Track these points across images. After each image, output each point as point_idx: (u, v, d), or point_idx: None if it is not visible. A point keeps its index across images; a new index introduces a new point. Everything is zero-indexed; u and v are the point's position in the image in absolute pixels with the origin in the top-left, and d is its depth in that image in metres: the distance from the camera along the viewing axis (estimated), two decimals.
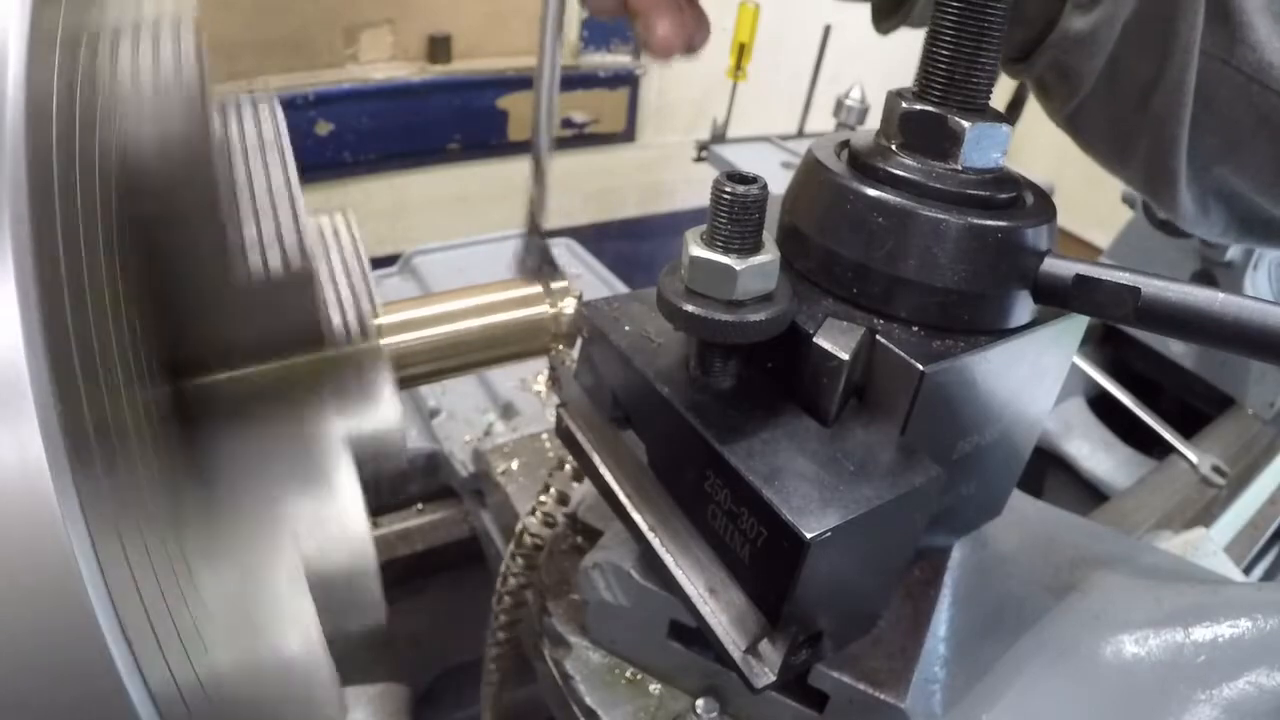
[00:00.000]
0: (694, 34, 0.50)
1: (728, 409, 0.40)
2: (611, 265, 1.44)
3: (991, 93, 0.41)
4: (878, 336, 0.39)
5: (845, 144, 0.44)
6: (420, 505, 1.06)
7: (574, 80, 3.22)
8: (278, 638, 0.40)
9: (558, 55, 0.52)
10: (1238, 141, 0.47)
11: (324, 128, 2.77)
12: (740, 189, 0.35)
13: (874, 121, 0.44)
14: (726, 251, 0.36)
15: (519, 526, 0.61)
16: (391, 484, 0.51)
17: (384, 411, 0.48)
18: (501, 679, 0.69)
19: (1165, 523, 1.21)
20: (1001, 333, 0.41)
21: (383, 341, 0.50)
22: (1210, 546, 1.01)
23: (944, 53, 0.39)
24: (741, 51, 2.62)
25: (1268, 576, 1.29)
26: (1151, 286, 0.36)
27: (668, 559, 0.44)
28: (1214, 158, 0.48)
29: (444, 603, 1.09)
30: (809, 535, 0.34)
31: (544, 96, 0.52)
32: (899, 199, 0.39)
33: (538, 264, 0.57)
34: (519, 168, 0.55)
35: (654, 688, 0.52)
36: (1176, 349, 1.52)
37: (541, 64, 0.51)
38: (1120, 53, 0.47)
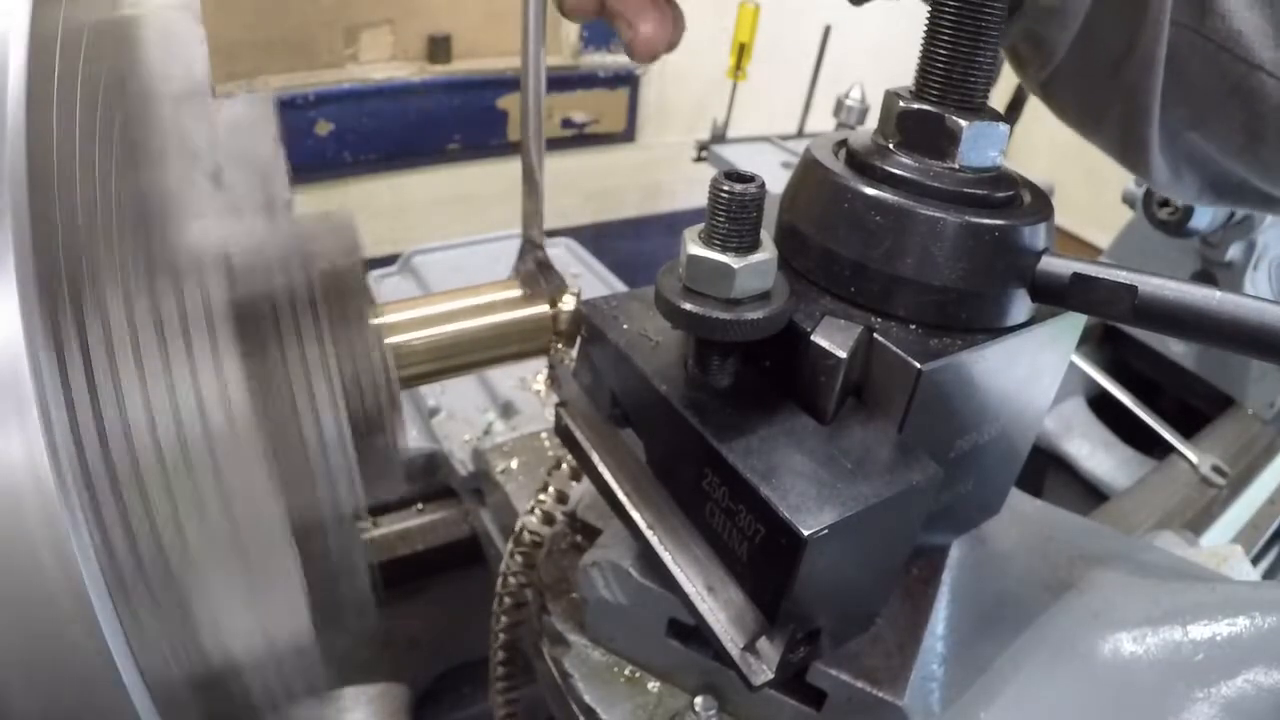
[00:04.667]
0: (673, 33, 0.50)
1: (725, 407, 0.40)
2: (611, 265, 1.43)
3: (989, 92, 0.41)
4: (875, 335, 0.39)
5: (843, 143, 0.44)
6: (420, 505, 1.05)
7: (574, 80, 3.23)
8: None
9: (542, 64, 0.51)
10: (1207, 109, 0.47)
11: (324, 128, 2.78)
12: (738, 187, 0.35)
13: (874, 121, 0.44)
14: (724, 250, 0.36)
15: (518, 524, 0.61)
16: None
17: None
18: (508, 678, 0.69)
19: (1165, 522, 1.20)
20: (999, 331, 0.41)
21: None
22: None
23: (941, 52, 0.39)
24: (741, 51, 2.63)
25: (1268, 576, 1.29)
26: (1149, 285, 0.36)
27: (666, 557, 0.44)
28: (1184, 124, 0.48)
29: (443, 603, 1.08)
30: (806, 532, 0.34)
31: (530, 106, 0.51)
32: (897, 198, 0.39)
33: (534, 273, 0.56)
34: (519, 167, 0.55)
35: (653, 685, 0.52)
36: (1176, 349, 1.52)
37: (526, 73, 0.50)
38: (1092, 22, 0.47)
